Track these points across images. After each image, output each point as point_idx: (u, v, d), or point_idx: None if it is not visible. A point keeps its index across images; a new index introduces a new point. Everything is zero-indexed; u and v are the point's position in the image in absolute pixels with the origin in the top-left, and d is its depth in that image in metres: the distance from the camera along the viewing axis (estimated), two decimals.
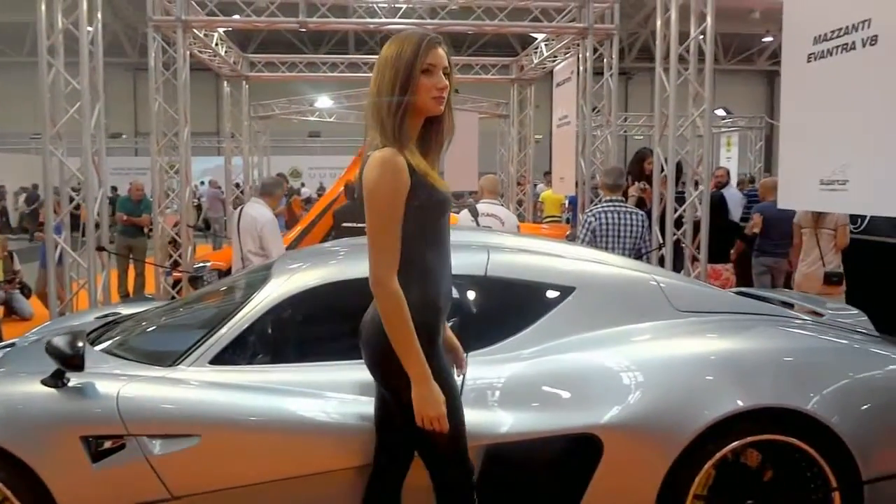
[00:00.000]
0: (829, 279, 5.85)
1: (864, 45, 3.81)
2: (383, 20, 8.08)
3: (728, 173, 9.71)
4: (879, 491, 2.83)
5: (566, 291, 3.08)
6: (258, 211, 6.30)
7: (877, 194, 3.72)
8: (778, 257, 7.15)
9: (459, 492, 2.41)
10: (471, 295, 3.06)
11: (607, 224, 5.61)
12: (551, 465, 2.83)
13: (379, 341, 2.27)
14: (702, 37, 6.02)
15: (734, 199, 9.29)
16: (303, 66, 11.97)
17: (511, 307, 3.09)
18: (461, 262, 3.18)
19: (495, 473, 2.74)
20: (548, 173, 15.29)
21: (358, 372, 2.84)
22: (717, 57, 26.44)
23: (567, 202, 13.64)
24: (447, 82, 2.27)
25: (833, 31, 4.04)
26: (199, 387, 2.78)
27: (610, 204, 5.70)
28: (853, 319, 3.67)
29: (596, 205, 6.06)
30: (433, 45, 2.25)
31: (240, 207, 6.68)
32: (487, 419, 2.73)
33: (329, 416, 2.73)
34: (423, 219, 2.27)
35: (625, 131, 21.27)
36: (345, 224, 6.31)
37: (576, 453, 2.77)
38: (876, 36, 3.72)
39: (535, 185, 16.87)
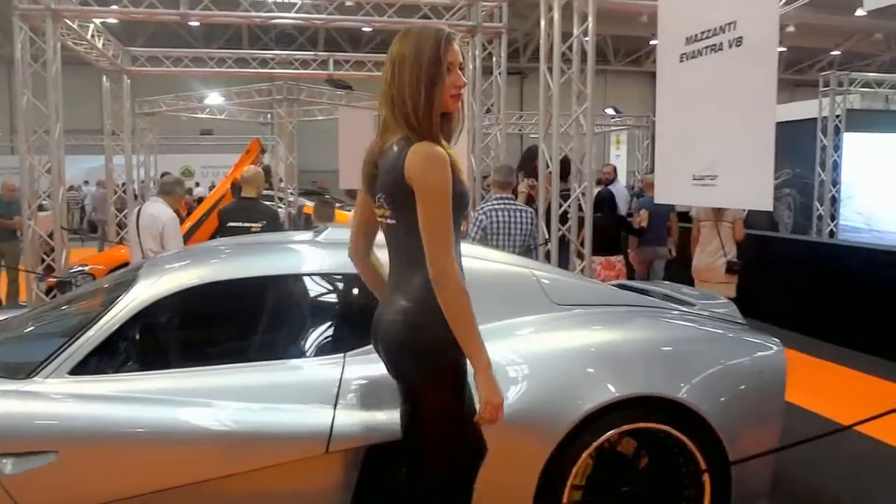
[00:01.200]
0: (731, 268, 6.38)
1: (730, 46, 3.97)
2: (269, 14, 7.88)
3: (615, 170, 10.00)
4: (745, 469, 2.96)
5: None
6: (159, 209, 6.07)
7: (741, 189, 3.88)
8: (658, 245, 8.03)
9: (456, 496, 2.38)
10: (347, 294, 3.00)
11: (498, 222, 5.65)
12: None
13: (417, 339, 2.24)
14: (585, 37, 6.15)
15: (621, 194, 9.59)
16: (188, 61, 11.56)
17: None
18: (339, 261, 3.13)
19: (377, 474, 2.70)
20: None
21: (232, 376, 2.76)
22: (608, 58, 27.27)
23: None
24: (465, 80, 2.27)
25: (703, 33, 4.19)
26: (55, 399, 2.61)
27: (500, 201, 5.75)
28: (724, 309, 3.82)
29: (486, 202, 6.10)
30: (451, 42, 2.24)
31: (138, 207, 6.46)
32: (368, 420, 2.69)
33: (199, 424, 2.62)
34: (454, 211, 2.23)
35: (520, 130, 21.62)
36: (230, 223, 6.12)
37: None
38: (741, 37, 3.89)
39: None
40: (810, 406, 4.91)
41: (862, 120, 12.24)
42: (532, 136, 23.33)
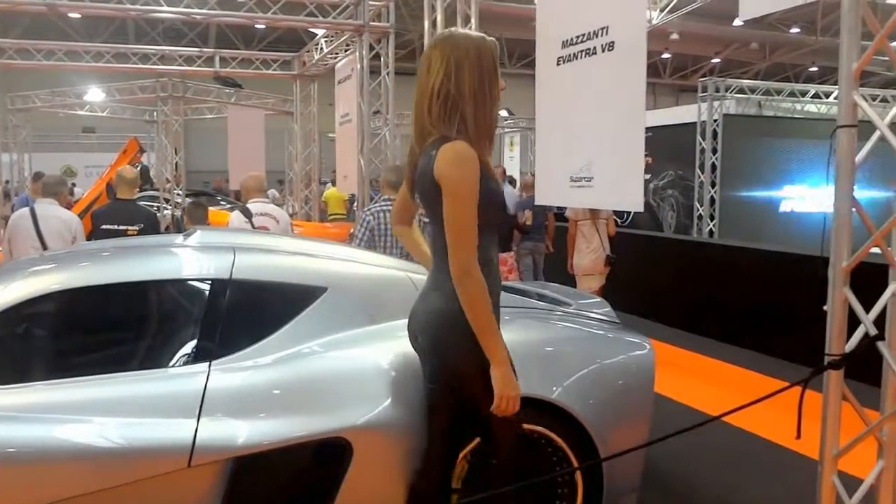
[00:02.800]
0: (609, 261, 6.99)
1: (603, 51, 4.05)
2: (146, 7, 7.53)
3: (505, 171, 10.12)
4: (616, 466, 3.01)
5: (317, 292, 2.98)
6: (62, 212, 5.66)
7: (614, 190, 3.97)
8: (537, 241, 9.01)
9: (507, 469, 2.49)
10: (215, 300, 2.87)
11: (386, 224, 5.58)
12: (304, 471, 2.74)
13: (453, 334, 2.33)
14: None
15: (510, 195, 9.73)
16: (62, 55, 10.96)
17: (259, 311, 2.95)
18: (206, 264, 3.02)
19: (245, 486, 2.60)
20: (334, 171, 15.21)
21: (89, 389, 2.60)
22: (503, 61, 27.64)
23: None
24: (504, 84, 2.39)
25: (578, 37, 4.26)
26: None
27: (389, 203, 5.68)
28: (598, 309, 3.90)
29: (375, 203, 6.03)
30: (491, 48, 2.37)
31: (25, 209, 5.87)
32: (233, 431, 2.58)
33: (54, 441, 2.46)
34: (486, 210, 2.29)
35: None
36: (104, 226, 5.80)
37: (328, 457, 2.69)
38: (613, 42, 3.98)
39: (325, 184, 16.71)
40: (681, 398, 5.08)
41: (737, 125, 12.85)
42: None
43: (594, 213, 6.86)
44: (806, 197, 13.39)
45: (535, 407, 2.90)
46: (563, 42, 4.41)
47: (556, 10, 4.58)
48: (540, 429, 2.94)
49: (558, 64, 4.47)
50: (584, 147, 4.17)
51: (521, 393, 2.35)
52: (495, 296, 2.39)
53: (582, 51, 4.23)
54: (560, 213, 8.29)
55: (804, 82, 21.61)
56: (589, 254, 6.95)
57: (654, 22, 9.35)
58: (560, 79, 4.46)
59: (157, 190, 13.91)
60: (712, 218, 12.84)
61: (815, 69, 26.85)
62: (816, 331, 2.44)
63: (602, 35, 4.05)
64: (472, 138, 2.31)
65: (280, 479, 2.69)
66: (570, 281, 6.95)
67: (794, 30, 22.57)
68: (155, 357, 2.85)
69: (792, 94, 13.86)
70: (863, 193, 13.18)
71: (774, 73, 25.84)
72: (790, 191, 13.31)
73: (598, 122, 4.09)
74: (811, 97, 14.00)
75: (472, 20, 6.00)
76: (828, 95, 13.98)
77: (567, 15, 4.40)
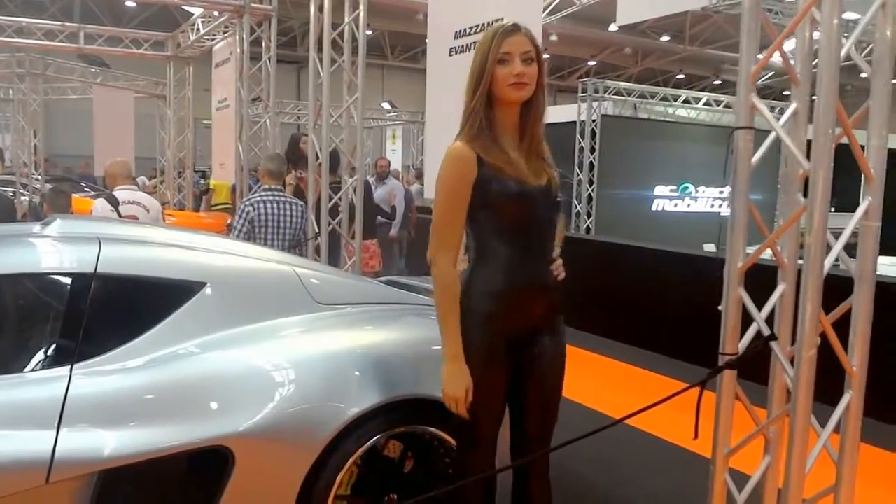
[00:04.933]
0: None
1: None
2: None
3: (390, 164, 10.02)
4: None
5: (195, 287, 2.74)
6: None
7: None
8: (402, 229, 9.53)
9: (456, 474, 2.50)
10: (77, 296, 2.58)
11: (267, 214, 5.34)
12: (181, 483, 2.52)
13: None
14: (357, 29, 6.00)
15: (398, 188, 9.68)
16: None
17: (128, 309, 2.69)
18: (66, 257, 2.73)
19: (118, 501, 2.36)
20: None
21: None
22: (385, 54, 27.46)
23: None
24: (524, 69, 2.23)
25: (471, 28, 4.19)
26: None
27: (269, 193, 5.44)
28: None
29: (254, 193, 5.76)
30: (509, 34, 2.26)
31: None
32: (99, 441, 2.33)
33: None
34: (494, 210, 2.29)
35: (297, 119, 21.15)
36: None
37: (208, 467, 2.48)
38: None
39: (204, 174, 16.00)
40: (585, 401, 5.09)
41: (614, 125, 13.28)
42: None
43: None
44: (674, 197, 14.05)
45: (426, 408, 2.79)
46: (455, 33, 4.33)
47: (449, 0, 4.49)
48: (432, 429, 2.83)
49: (450, 55, 4.39)
50: None
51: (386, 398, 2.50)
52: (489, 298, 2.33)
53: (475, 42, 4.15)
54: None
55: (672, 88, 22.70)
56: None
57: None
58: (452, 70, 4.38)
59: (12, 174, 12.87)
60: (589, 215, 13.21)
61: (682, 76, 28.25)
62: (713, 331, 2.45)
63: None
64: (468, 137, 2.29)
65: (153, 494, 2.47)
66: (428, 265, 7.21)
67: (665, 38, 23.65)
68: (7, 360, 2.53)
69: (665, 98, 14.46)
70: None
71: (646, 78, 26.95)
72: (661, 190, 13.90)
73: None
74: (682, 102, 14.65)
75: (361, 7, 5.82)
76: (697, 101, 14.68)
77: (461, 4, 4.32)
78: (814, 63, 2.27)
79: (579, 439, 2.36)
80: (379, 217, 8.57)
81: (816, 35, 2.28)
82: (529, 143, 2.35)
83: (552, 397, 2.48)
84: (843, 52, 2.20)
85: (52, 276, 2.69)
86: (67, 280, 2.60)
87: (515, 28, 2.28)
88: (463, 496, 2.46)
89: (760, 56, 2.34)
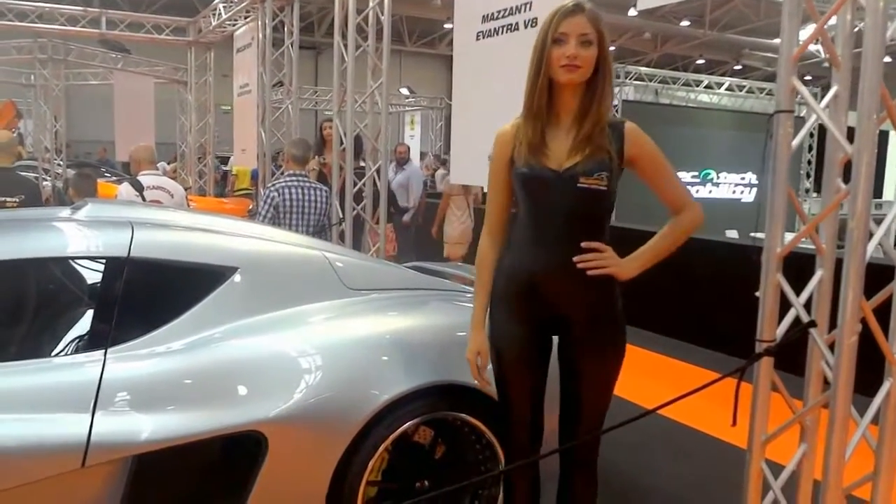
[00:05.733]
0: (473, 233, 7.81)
1: (526, 27, 3.96)
2: None
3: (409, 150, 9.97)
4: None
5: (227, 272, 2.74)
6: None
7: None
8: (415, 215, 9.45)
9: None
10: (111, 281, 2.58)
11: (291, 200, 5.35)
12: (215, 468, 2.53)
13: None
14: (382, 14, 5.96)
15: (416, 175, 9.60)
16: None
17: (162, 293, 2.69)
18: (100, 241, 2.74)
19: (148, 486, 2.37)
20: None
21: None
22: (403, 39, 27.34)
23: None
24: (578, 51, 2.17)
25: (499, 12, 4.15)
26: None
27: (294, 178, 5.44)
28: None
29: (278, 179, 5.76)
30: (568, 14, 2.20)
31: None
32: (134, 426, 2.34)
33: None
34: (516, 191, 2.34)
35: (315, 105, 21.14)
36: None
37: (241, 452, 2.49)
38: (536, 18, 3.88)
39: (226, 161, 16.04)
40: (621, 392, 5.00)
41: (636, 111, 13.16)
42: (326, 111, 22.96)
43: (466, 189, 7.62)
44: (696, 183, 13.92)
45: (456, 394, 2.80)
46: (483, 17, 4.29)
47: None
48: (463, 415, 2.82)
49: (478, 39, 4.35)
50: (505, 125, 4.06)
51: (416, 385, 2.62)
52: (505, 278, 2.40)
53: (503, 26, 4.12)
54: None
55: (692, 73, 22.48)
56: (459, 225, 7.79)
57: None
58: (479, 54, 4.34)
59: (34, 159, 12.96)
60: None
61: (702, 62, 27.94)
62: (746, 320, 2.43)
63: (525, 10, 3.95)
64: (522, 117, 2.34)
65: (187, 478, 2.48)
66: (436, 248, 7.96)
67: (685, 22, 23.38)
68: (42, 345, 2.54)
69: (686, 83, 14.33)
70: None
71: (665, 63, 26.68)
72: (682, 176, 13.77)
73: (519, 99, 3.98)
74: (704, 87, 14.50)
75: None
76: (719, 86, 14.52)
77: None
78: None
79: (613, 429, 2.34)
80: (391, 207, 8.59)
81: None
82: (585, 127, 2.24)
83: (587, 392, 2.38)
84: (888, 35, 2.15)
85: (86, 261, 2.70)
86: (101, 264, 2.61)
87: (577, 8, 2.21)
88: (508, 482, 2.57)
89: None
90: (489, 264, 2.42)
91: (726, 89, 14.86)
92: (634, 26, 23.97)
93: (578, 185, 2.22)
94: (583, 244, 2.25)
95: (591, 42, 2.19)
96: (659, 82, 13.90)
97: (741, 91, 14.97)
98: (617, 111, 13.01)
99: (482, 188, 7.37)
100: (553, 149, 2.26)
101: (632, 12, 19.63)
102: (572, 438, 2.41)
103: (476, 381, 2.46)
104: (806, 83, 2.51)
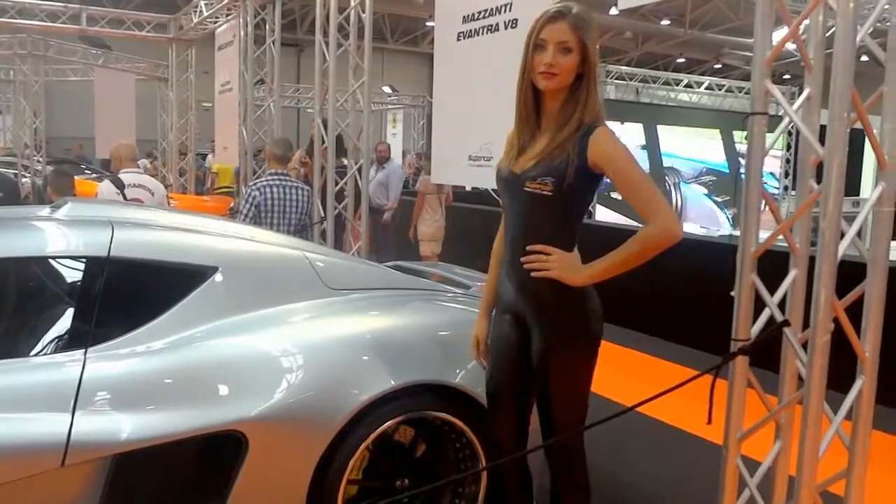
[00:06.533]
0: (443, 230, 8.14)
1: (506, 28, 3.98)
2: None
3: (389, 148, 9.95)
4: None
5: (207, 272, 2.74)
6: None
7: None
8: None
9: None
10: (90, 280, 2.58)
11: (273, 199, 5.35)
12: (195, 467, 2.53)
13: None
14: (363, 12, 5.96)
15: (397, 173, 9.59)
16: None
17: (141, 292, 2.69)
18: (79, 240, 2.73)
19: (128, 486, 2.37)
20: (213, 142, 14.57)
21: None
22: (384, 37, 27.29)
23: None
24: (555, 59, 2.17)
25: (480, 12, 4.17)
26: None
27: (276, 177, 5.44)
28: None
29: (260, 177, 5.75)
30: (549, 21, 2.20)
31: None
32: (114, 425, 2.34)
33: None
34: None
35: (297, 103, 21.07)
36: None
37: (221, 451, 2.49)
38: (516, 19, 3.90)
39: (205, 157, 15.97)
40: (599, 390, 5.01)
41: (617, 109, 13.24)
42: (309, 110, 22.88)
43: (439, 188, 7.91)
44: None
45: (437, 393, 2.82)
46: (464, 17, 4.31)
47: None
48: (443, 415, 2.84)
49: (458, 39, 4.37)
50: (485, 126, 4.08)
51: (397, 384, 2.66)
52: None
53: (484, 27, 4.14)
54: None
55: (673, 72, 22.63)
56: (432, 223, 8.03)
57: None
58: (460, 55, 4.36)
59: (13, 156, 12.84)
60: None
61: (682, 60, 28.12)
62: (721, 318, 2.46)
63: (505, 11, 3.97)
64: (515, 121, 2.39)
65: (167, 477, 2.48)
66: (410, 245, 8.15)
67: (665, 21, 23.53)
68: (22, 344, 2.54)
69: (667, 82, 14.43)
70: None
71: (646, 62, 26.81)
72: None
73: (499, 100, 4.00)
74: (684, 86, 14.61)
75: None
76: (699, 85, 14.63)
77: None
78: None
79: (592, 426, 2.36)
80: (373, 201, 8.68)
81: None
82: (563, 133, 2.23)
83: (555, 394, 2.37)
84: (859, 37, 2.19)
85: (66, 260, 2.69)
86: (81, 264, 2.60)
87: (558, 15, 2.20)
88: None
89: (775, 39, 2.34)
90: (499, 257, 2.51)
91: (706, 88, 14.98)
92: (615, 25, 24.08)
93: (524, 188, 2.26)
94: (528, 247, 2.28)
95: (571, 49, 2.17)
96: (640, 81, 13.98)
97: (720, 90, 15.10)
98: None
99: (452, 188, 8.00)
100: (528, 153, 2.29)
101: (613, 11, 19.72)
102: (550, 448, 2.43)
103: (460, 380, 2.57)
104: (784, 82, 2.54)
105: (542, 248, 2.25)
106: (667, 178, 13.92)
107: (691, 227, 13.27)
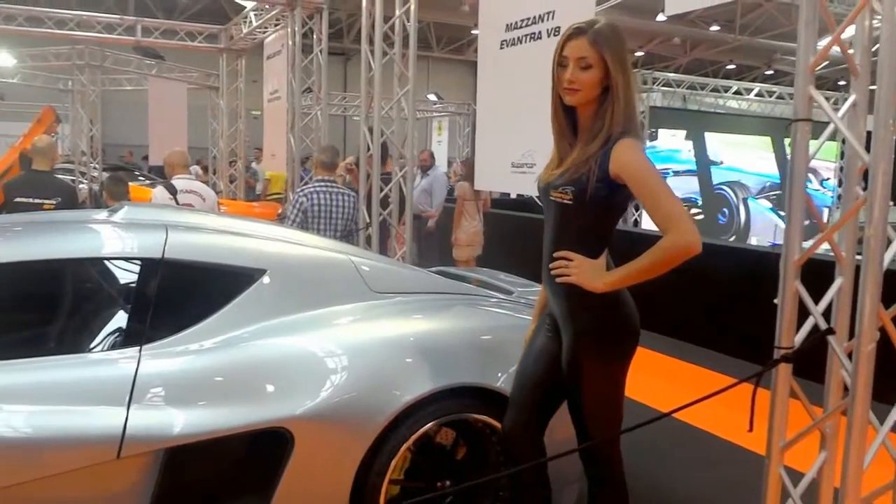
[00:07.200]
0: (482, 234, 8.21)
1: (549, 36, 4.01)
2: None
3: (432, 156, 10.02)
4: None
5: (256, 274, 2.83)
6: None
7: None
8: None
9: None
10: (146, 280, 2.69)
11: (319, 205, 5.45)
12: (243, 462, 2.61)
13: None
14: (407, 21, 6.05)
15: (440, 181, 9.66)
16: None
17: (193, 293, 2.78)
18: (135, 243, 2.84)
19: (178, 478, 2.45)
20: (258, 149, 14.80)
21: (8, 374, 2.39)
22: (430, 45, 27.47)
23: None
24: (575, 75, 2.22)
25: (523, 20, 4.20)
26: None
27: (323, 184, 5.54)
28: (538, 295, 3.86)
29: (307, 184, 5.86)
30: (569, 37, 2.26)
31: None
32: (167, 420, 2.43)
33: None
34: None
35: (343, 111, 21.31)
36: (18, 199, 5.42)
37: (268, 448, 2.56)
38: (559, 27, 3.93)
39: (251, 163, 16.26)
40: (633, 395, 5.01)
41: (663, 117, 13.13)
42: (355, 118, 23.13)
43: (477, 194, 8.01)
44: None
45: (478, 396, 2.85)
46: (507, 25, 4.35)
47: None
48: (484, 418, 2.87)
49: (501, 47, 4.41)
50: (528, 133, 4.11)
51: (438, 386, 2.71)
52: None
53: (527, 35, 4.18)
54: None
55: (722, 79, 22.31)
56: (469, 229, 8.12)
57: None
58: (503, 63, 4.40)
59: (70, 163, 13.26)
60: (637, 208, 13.08)
61: (732, 67, 27.71)
62: (765, 327, 2.45)
63: (548, 19, 4.00)
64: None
65: (216, 471, 2.56)
66: (446, 250, 8.30)
67: (714, 27, 23.20)
68: (81, 340, 2.65)
69: (715, 89, 14.25)
70: None
71: (695, 68, 26.50)
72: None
73: (542, 108, 4.02)
74: (733, 93, 14.41)
75: (412, 1, 5.87)
76: (749, 92, 14.42)
77: None
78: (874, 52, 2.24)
79: (627, 431, 2.36)
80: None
81: (876, 24, 2.25)
82: (590, 146, 2.27)
83: (579, 400, 2.41)
84: None
85: (123, 261, 2.80)
86: (137, 265, 2.71)
87: (577, 31, 2.25)
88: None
89: (821, 45, 2.33)
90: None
91: (756, 95, 14.75)
92: (663, 31, 23.84)
93: (550, 197, 2.36)
94: (554, 254, 2.34)
95: (591, 65, 2.21)
96: (687, 88, 13.83)
97: (771, 97, 14.84)
98: (644, 117, 12.97)
99: (492, 194, 8.01)
100: (563, 164, 2.36)
101: (661, 17, 19.55)
102: (585, 452, 2.46)
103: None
104: (839, 88, 2.53)
105: (566, 255, 2.30)
106: (735, 192, 13.80)
107: (758, 243, 13.15)
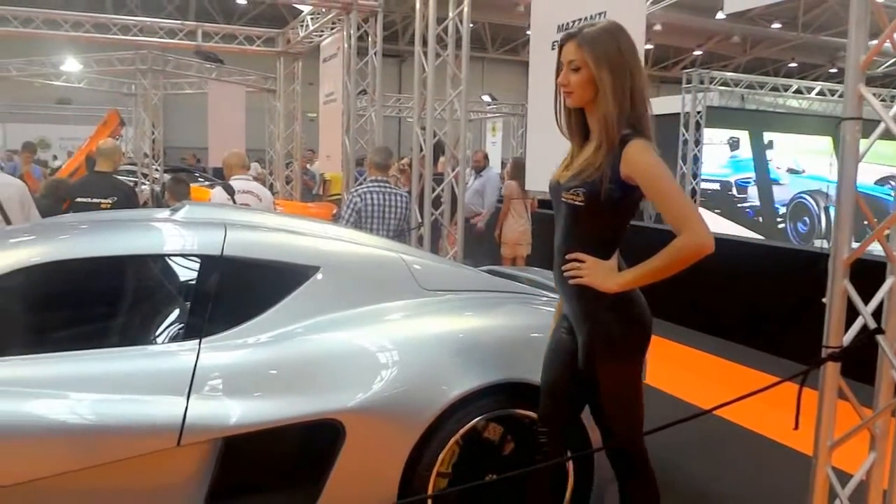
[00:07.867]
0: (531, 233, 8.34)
1: None
2: None
3: (486, 157, 10.06)
4: (603, 453, 3.00)
5: (310, 271, 2.93)
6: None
7: None
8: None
9: None
10: (206, 276, 2.81)
11: (373, 205, 5.55)
12: (297, 452, 2.71)
13: None
14: (461, 23, 6.12)
15: (493, 181, 9.69)
16: (40, 23, 10.70)
17: (251, 288, 2.90)
18: (195, 240, 2.96)
19: (235, 466, 2.57)
20: (311, 150, 15.05)
21: (76, 364, 2.53)
22: (485, 46, 27.51)
23: None
24: (567, 77, 2.32)
25: (574, 21, 4.22)
26: None
27: (376, 184, 5.64)
28: None
29: (361, 184, 5.98)
30: (563, 42, 2.36)
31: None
32: (224, 410, 2.54)
33: (38, 417, 2.41)
34: None
35: (398, 112, 21.51)
36: (79, 199, 5.66)
37: (321, 438, 2.66)
38: None
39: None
40: (675, 391, 5.05)
41: (719, 117, 12.92)
42: (409, 119, 23.32)
43: (524, 193, 8.12)
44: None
45: (525, 392, 2.89)
46: (558, 26, 4.37)
47: None
48: (531, 414, 2.91)
49: (553, 48, 4.43)
50: None
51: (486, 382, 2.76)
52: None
53: None
54: None
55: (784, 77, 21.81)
56: (517, 227, 8.26)
57: None
58: (554, 63, 4.41)
59: (133, 164, 13.70)
60: None
61: (794, 65, 27.06)
62: (810, 327, 2.44)
63: (599, 20, 4.01)
64: None
65: (271, 460, 2.66)
66: (493, 249, 8.43)
67: (776, 25, 22.69)
68: (143, 333, 2.80)
69: (774, 88, 13.95)
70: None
71: (754, 67, 25.96)
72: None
73: None
74: (793, 92, 14.10)
75: (465, 3, 5.93)
76: (810, 91, 14.09)
77: None
78: None
79: (666, 427, 2.38)
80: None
81: None
82: (591, 145, 2.33)
83: (598, 400, 2.45)
84: None
85: (184, 258, 2.93)
86: (197, 262, 2.83)
87: (567, 37, 2.35)
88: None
89: (873, 43, 2.31)
90: None
91: (817, 94, 14.38)
92: (723, 30, 23.43)
93: (561, 198, 2.39)
94: (567, 255, 2.37)
95: (580, 67, 2.29)
96: (745, 87, 13.58)
97: (833, 95, 14.45)
98: (701, 117, 12.79)
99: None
100: (573, 165, 2.40)
101: (720, 15, 19.22)
102: (611, 449, 2.51)
103: None
104: None
105: (577, 256, 2.33)
106: (817, 201, 13.55)
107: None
